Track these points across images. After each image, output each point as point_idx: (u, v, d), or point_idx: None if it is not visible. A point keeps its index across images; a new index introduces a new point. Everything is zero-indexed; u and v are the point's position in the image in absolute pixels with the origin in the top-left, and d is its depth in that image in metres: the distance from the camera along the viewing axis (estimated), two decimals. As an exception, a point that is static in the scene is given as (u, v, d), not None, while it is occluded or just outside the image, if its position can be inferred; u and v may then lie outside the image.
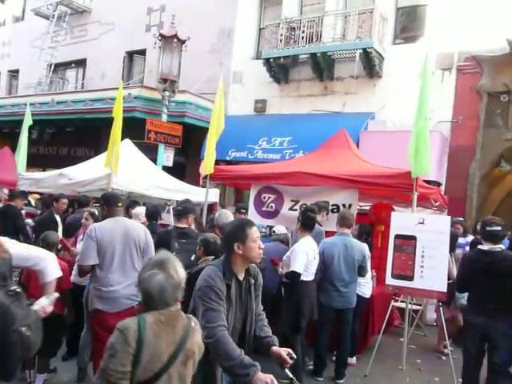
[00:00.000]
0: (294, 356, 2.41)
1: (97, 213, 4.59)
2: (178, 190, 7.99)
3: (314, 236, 4.55)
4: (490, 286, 3.87)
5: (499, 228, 3.97)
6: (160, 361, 1.81)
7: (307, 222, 4.49)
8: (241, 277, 2.51)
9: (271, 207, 6.06)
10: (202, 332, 2.27)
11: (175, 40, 10.90)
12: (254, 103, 12.22)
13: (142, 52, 14.69)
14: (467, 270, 4.17)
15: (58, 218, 6.64)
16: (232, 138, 11.18)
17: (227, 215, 4.40)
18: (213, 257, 3.59)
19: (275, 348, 2.46)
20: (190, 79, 12.26)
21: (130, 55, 15.37)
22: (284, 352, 2.40)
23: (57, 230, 5.97)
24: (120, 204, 3.79)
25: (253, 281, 2.56)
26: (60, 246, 4.54)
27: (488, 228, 4.00)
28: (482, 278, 3.92)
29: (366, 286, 5.41)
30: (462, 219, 7.44)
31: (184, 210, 4.24)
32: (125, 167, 6.93)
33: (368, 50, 9.79)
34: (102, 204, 3.81)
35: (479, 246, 4.14)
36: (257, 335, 2.57)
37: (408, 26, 10.64)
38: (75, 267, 4.06)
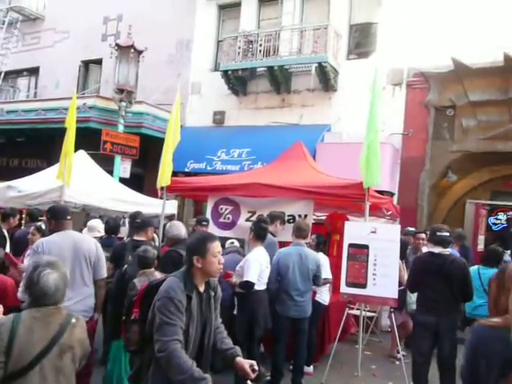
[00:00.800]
0: (257, 369, 2.43)
1: (44, 227, 4.44)
2: (135, 202, 7.84)
3: (266, 246, 4.60)
4: (439, 287, 4.17)
5: (447, 234, 4.36)
6: (30, 353, 2.01)
7: (260, 233, 4.57)
8: (201, 289, 2.52)
9: (228, 218, 6.07)
10: (155, 344, 2.30)
11: (132, 50, 10.80)
12: (213, 115, 12.26)
13: (99, 61, 14.44)
14: (419, 271, 4.47)
15: (5, 232, 6.35)
16: (191, 149, 11.18)
17: (178, 227, 4.38)
18: (152, 269, 3.57)
19: (239, 359, 2.48)
20: (147, 90, 12.14)
21: (86, 64, 15.07)
22: (247, 364, 2.42)
23: (5, 246, 5.72)
24: (69, 217, 3.70)
25: (213, 293, 2.58)
26: (6, 262, 4.36)
27: (438, 233, 4.38)
28: (432, 278, 4.22)
29: (325, 294, 5.53)
30: (416, 229, 7.67)
31: (143, 223, 4.21)
32: (79, 179, 6.76)
33: (323, 64, 10.08)
34: (49, 218, 3.70)
35: (430, 249, 4.48)
36: (219, 348, 2.58)
37: (361, 42, 11.05)
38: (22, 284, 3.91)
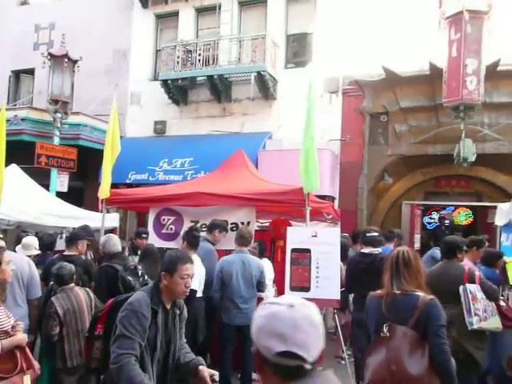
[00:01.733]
0: (217, 380, 2.44)
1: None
2: (73, 217, 7.56)
3: (203, 254, 4.60)
4: (371, 285, 4.30)
5: (376, 234, 4.66)
6: None
7: (192, 241, 4.60)
8: (168, 306, 2.52)
9: (171, 229, 5.99)
10: (111, 356, 2.28)
11: (66, 60, 10.44)
12: (154, 124, 12.09)
13: (31, 71, 13.79)
14: (352, 271, 4.72)
15: None
16: (132, 160, 10.94)
17: (114, 241, 4.26)
18: (71, 285, 3.48)
19: (201, 368, 2.49)
20: (84, 100, 11.77)
21: (17, 74, 14.35)
22: (207, 374, 2.43)
23: None
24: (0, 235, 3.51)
25: (178, 312, 2.58)
26: None
27: (368, 234, 4.70)
28: (364, 277, 4.40)
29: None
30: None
31: (73, 236, 4.05)
32: (11, 195, 6.40)
33: (262, 73, 10.25)
34: (-24, 238, 3.50)
35: (361, 250, 4.74)
36: (182, 362, 2.57)
37: (298, 51, 11.37)
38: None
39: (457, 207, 11.94)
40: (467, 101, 8.30)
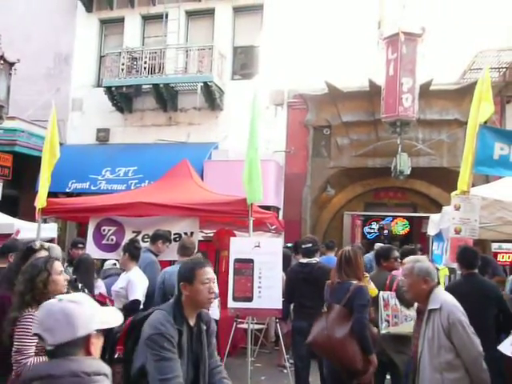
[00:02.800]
0: None
1: None
2: (5, 227, 7.16)
3: (146, 265, 4.53)
4: (309, 293, 4.56)
5: (310, 245, 4.86)
6: None
7: (134, 253, 4.52)
8: (192, 322, 2.28)
9: (112, 240, 5.83)
10: None
11: (1, 62, 9.90)
12: (97, 132, 11.74)
13: (-38, 72, 12.97)
14: (291, 281, 4.90)
15: None
16: (72, 168, 10.56)
17: (55, 251, 4.09)
18: None
19: None
20: (22, 105, 11.20)
21: None
22: None
23: None
24: None
25: (204, 327, 2.35)
26: None
27: (303, 246, 4.96)
28: (302, 286, 4.62)
29: (216, 309, 5.58)
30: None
31: (4, 248, 3.83)
32: None
33: (209, 83, 10.29)
34: None
35: (300, 260, 4.95)
36: None
37: (245, 63, 11.53)
38: None
39: (394, 218, 12.53)
40: (403, 117, 8.78)
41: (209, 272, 2.31)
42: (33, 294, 2.61)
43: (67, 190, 10.55)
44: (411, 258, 3.10)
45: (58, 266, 2.78)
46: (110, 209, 5.73)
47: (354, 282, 3.60)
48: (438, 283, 2.97)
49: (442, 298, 2.85)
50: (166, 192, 5.96)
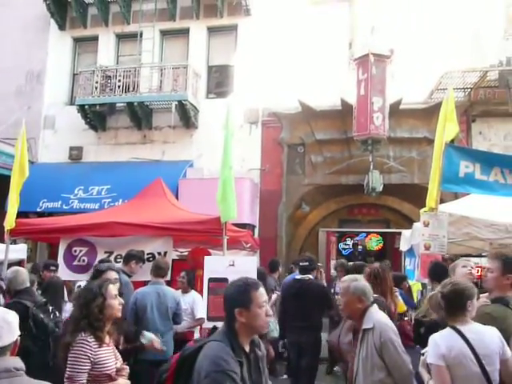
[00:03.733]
0: None
1: None
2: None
3: (123, 285, 4.44)
4: (300, 308, 4.84)
5: (307, 263, 5.22)
6: None
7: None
8: (247, 349, 2.08)
9: (83, 261, 5.71)
10: None
11: (-29, 79, 9.74)
12: (69, 150, 11.57)
13: None
14: (283, 297, 5.30)
15: None
16: (44, 187, 10.37)
17: (23, 277, 3.96)
18: None
19: None
20: (-9, 123, 11.01)
21: None
22: None
23: None
24: None
25: (260, 353, 2.16)
26: None
27: (300, 264, 5.33)
28: (294, 301, 4.89)
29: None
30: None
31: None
32: None
33: (183, 102, 10.33)
34: None
35: (296, 276, 5.31)
36: None
37: (219, 82, 11.64)
38: None
39: (368, 234, 12.70)
40: (374, 135, 9.00)
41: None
42: (88, 320, 2.53)
43: (38, 210, 10.32)
44: (349, 276, 3.13)
45: (112, 289, 2.69)
46: (81, 229, 5.62)
47: (381, 298, 3.70)
48: (373, 303, 3.00)
49: (376, 317, 2.89)
50: (139, 211, 5.90)
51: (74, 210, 10.07)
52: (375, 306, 2.99)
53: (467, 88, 9.72)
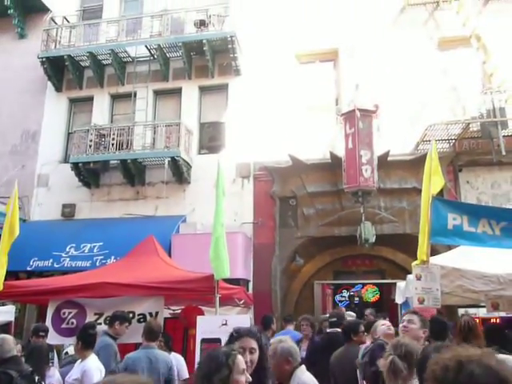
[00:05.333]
0: None
1: None
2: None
3: (100, 349, 4.34)
4: (320, 359, 4.94)
5: (335, 319, 5.53)
6: None
7: (88, 339, 4.33)
8: None
9: (72, 323, 5.59)
10: None
11: (-34, 141, 9.92)
12: (62, 208, 11.59)
13: None
14: (308, 349, 5.56)
15: None
16: (35, 245, 10.29)
17: (9, 346, 3.84)
18: None
19: None
20: (-16, 182, 11.10)
21: None
22: None
23: None
24: None
25: None
26: None
27: (330, 319, 5.60)
28: (323, 354, 4.97)
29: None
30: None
31: None
32: None
33: (176, 158, 10.51)
34: None
35: (328, 330, 5.51)
36: None
37: (211, 138, 11.92)
38: None
39: (364, 285, 12.55)
40: (364, 187, 9.14)
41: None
42: None
43: (28, 269, 10.18)
44: (276, 338, 3.23)
45: (241, 362, 2.19)
46: (70, 290, 5.55)
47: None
48: (301, 364, 3.01)
49: (302, 378, 2.92)
50: (130, 270, 5.86)
51: (65, 269, 9.96)
52: (302, 367, 3.00)
53: (451, 139, 10.02)
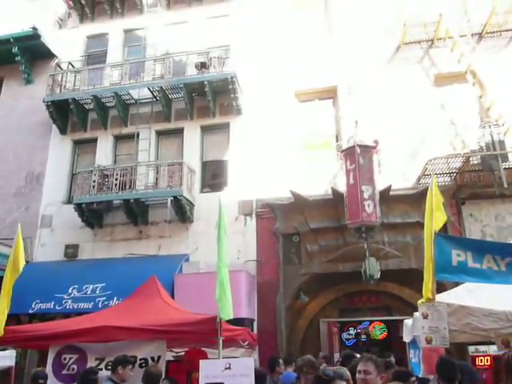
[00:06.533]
0: None
1: None
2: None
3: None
4: None
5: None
6: None
7: None
8: None
9: (73, 369, 5.47)
10: None
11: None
12: (65, 248, 11.57)
13: None
14: None
15: None
16: (37, 287, 10.24)
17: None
18: None
19: None
20: (-11, 224, 11.15)
21: None
22: None
23: None
24: None
25: None
26: None
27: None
28: None
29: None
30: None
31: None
32: None
33: (179, 197, 10.56)
34: None
35: None
36: None
37: (213, 177, 12.01)
38: None
39: (371, 322, 12.30)
40: (367, 222, 9.11)
41: None
42: None
43: (30, 311, 10.08)
44: None
45: None
46: (72, 335, 5.46)
47: None
48: None
49: None
50: (132, 313, 5.78)
51: (67, 311, 9.85)
52: None
53: (453, 173, 10.05)
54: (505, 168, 9.36)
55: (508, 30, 11.08)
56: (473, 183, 10.10)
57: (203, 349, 6.90)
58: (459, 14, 11.16)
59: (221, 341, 5.28)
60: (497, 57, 10.91)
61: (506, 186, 9.20)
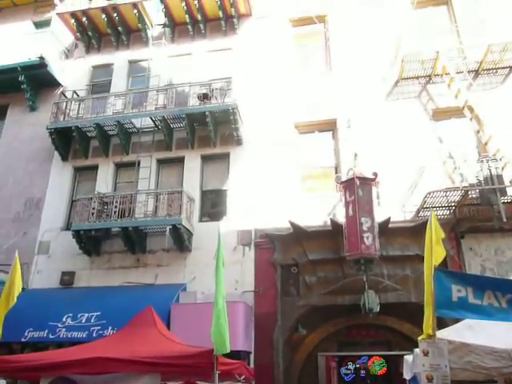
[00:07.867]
0: None
1: None
2: None
3: None
4: None
5: None
6: None
7: None
8: None
9: (63, 403, 5.32)
10: None
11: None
12: (61, 275, 11.45)
13: None
14: None
15: None
16: (31, 315, 10.10)
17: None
18: None
19: None
20: (-15, 250, 11.08)
21: None
22: None
23: None
24: None
25: None
26: None
27: None
28: None
29: None
30: None
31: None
32: None
33: (177, 226, 10.53)
34: None
35: None
36: None
37: (213, 206, 12.02)
38: None
39: (371, 356, 12.02)
40: (366, 255, 9.05)
41: None
42: None
43: (23, 340, 9.89)
44: None
45: None
46: (64, 366, 5.33)
47: None
48: None
49: None
50: (126, 344, 5.67)
51: (60, 340, 9.68)
52: None
53: (451, 206, 10.07)
54: (503, 202, 9.39)
55: (504, 68, 11.34)
56: (472, 217, 10.10)
57: (198, 382, 6.74)
58: (456, 51, 11.45)
59: (217, 375, 5.17)
60: (493, 93, 11.12)
61: (505, 220, 9.19)
